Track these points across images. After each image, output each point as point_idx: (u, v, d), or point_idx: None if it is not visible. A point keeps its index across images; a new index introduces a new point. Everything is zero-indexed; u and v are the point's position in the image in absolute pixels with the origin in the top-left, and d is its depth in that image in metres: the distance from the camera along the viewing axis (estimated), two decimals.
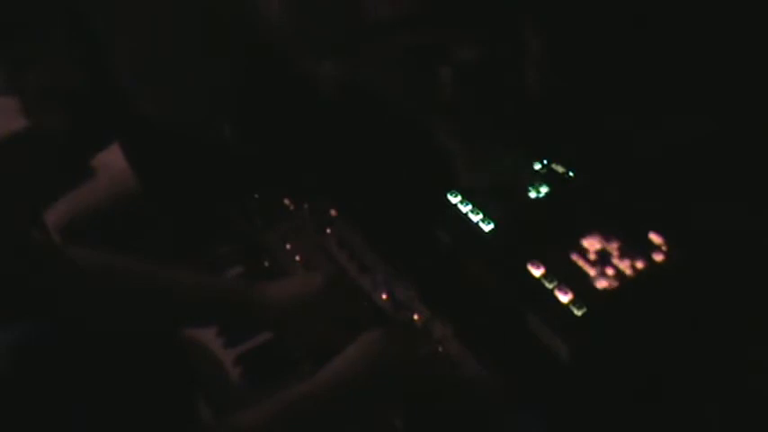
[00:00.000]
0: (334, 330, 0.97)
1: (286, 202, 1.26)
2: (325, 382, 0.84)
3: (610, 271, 0.87)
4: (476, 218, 0.98)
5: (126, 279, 0.92)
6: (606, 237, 0.91)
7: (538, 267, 0.89)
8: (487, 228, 0.97)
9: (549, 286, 0.87)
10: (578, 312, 0.84)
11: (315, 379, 0.84)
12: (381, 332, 0.90)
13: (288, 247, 1.18)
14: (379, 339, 0.88)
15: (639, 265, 0.87)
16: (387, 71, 1.01)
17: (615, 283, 0.86)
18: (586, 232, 0.92)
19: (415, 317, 1.01)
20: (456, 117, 1.03)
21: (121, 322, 0.94)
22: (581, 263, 0.89)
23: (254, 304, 0.97)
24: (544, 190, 1.00)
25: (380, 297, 1.05)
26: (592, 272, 0.87)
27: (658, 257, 0.87)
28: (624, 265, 0.87)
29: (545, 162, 1.03)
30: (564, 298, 0.85)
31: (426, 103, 1.03)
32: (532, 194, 0.99)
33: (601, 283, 0.86)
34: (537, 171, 1.03)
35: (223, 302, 0.98)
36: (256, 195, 1.28)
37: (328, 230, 1.18)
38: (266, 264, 1.18)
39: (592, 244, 0.90)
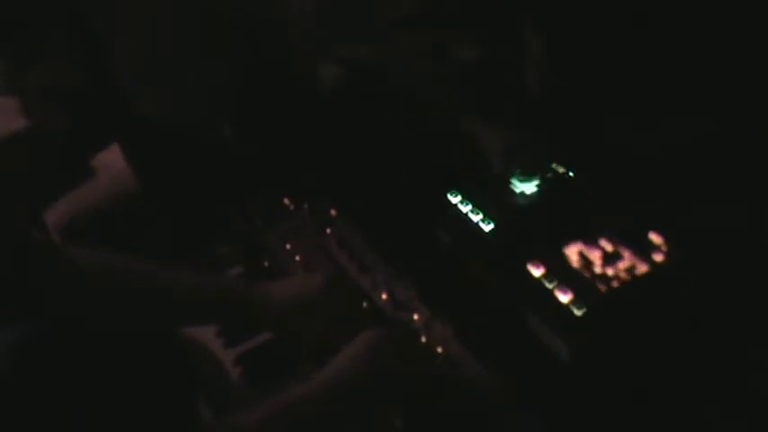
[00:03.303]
0: (334, 330, 0.97)
1: (286, 202, 1.26)
2: (324, 382, 0.84)
3: (610, 271, 0.87)
4: (476, 218, 0.98)
5: (126, 279, 0.92)
6: (606, 237, 0.91)
7: (538, 267, 0.89)
8: (487, 228, 0.97)
9: (549, 286, 0.87)
10: (578, 312, 0.84)
11: (314, 378, 0.84)
12: (380, 331, 0.90)
13: (288, 247, 1.18)
14: (377, 337, 0.88)
15: (639, 265, 0.87)
16: (412, 63, 1.01)
17: (615, 283, 0.86)
18: (586, 232, 0.92)
19: (415, 317, 1.01)
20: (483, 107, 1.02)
21: (121, 322, 0.94)
22: (581, 263, 0.89)
23: (255, 304, 0.97)
24: (545, 190, 1.00)
25: (380, 297, 1.05)
26: (592, 272, 0.87)
27: (658, 257, 0.87)
28: (624, 266, 0.87)
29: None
30: (564, 298, 0.85)
31: (455, 95, 1.03)
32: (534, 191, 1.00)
33: (601, 283, 0.86)
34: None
35: (223, 302, 0.98)
36: (256, 196, 1.28)
37: (328, 230, 1.18)
38: (266, 264, 1.18)
39: (591, 244, 0.90)
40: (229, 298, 0.99)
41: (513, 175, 1.00)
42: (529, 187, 1.00)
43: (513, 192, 1.01)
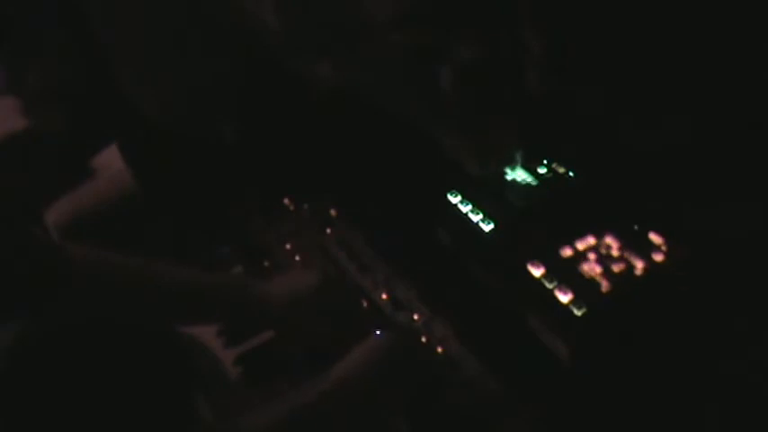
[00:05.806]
0: (332, 326, 0.97)
1: (286, 202, 1.26)
2: (329, 387, 0.84)
3: (610, 271, 0.87)
4: (476, 218, 0.98)
5: (126, 279, 0.92)
6: (606, 237, 0.91)
7: (538, 267, 0.89)
8: (487, 228, 0.97)
9: (549, 286, 0.87)
10: (578, 312, 0.84)
11: (319, 383, 0.84)
12: (385, 339, 0.90)
13: (288, 247, 1.18)
14: (383, 346, 0.88)
15: (639, 265, 0.87)
16: (385, 71, 1.01)
17: (615, 283, 0.86)
18: (586, 232, 0.92)
19: (415, 317, 1.01)
20: (456, 113, 1.02)
21: (121, 322, 0.94)
22: (581, 263, 0.89)
23: (254, 301, 0.98)
24: (545, 190, 1.00)
25: (380, 297, 1.05)
26: (592, 272, 0.87)
27: (658, 257, 0.87)
28: (624, 266, 0.87)
29: (545, 162, 1.03)
30: (564, 298, 0.85)
31: (425, 104, 1.03)
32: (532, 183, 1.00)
33: (601, 284, 0.86)
34: (537, 170, 1.03)
35: (224, 300, 0.98)
36: (256, 196, 1.28)
37: (328, 230, 1.18)
38: (266, 264, 1.19)
39: (592, 244, 0.90)
40: (230, 295, 0.99)
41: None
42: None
43: (512, 192, 1.01)
